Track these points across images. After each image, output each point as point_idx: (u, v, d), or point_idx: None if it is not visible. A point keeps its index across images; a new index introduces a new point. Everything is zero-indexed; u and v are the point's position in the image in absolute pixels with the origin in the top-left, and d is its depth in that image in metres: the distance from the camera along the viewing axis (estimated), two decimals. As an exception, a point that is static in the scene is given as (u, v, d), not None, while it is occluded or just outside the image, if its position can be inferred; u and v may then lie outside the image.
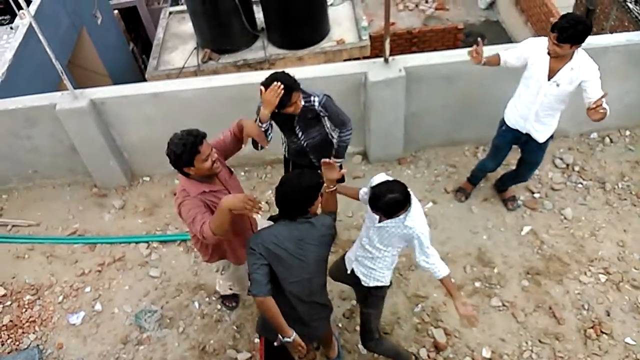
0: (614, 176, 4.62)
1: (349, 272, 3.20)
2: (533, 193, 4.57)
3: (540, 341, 3.69)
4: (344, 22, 8.74)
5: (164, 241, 4.54)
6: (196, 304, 4.12)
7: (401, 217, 2.72)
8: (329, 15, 8.53)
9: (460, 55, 4.32)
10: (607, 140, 4.89)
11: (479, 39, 3.77)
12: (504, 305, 3.90)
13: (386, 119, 4.38)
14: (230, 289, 3.85)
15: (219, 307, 4.07)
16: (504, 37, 11.96)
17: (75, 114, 4.33)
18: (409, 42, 10.18)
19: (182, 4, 10.17)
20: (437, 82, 4.34)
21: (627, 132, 4.94)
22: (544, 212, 4.41)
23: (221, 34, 8.16)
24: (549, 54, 3.36)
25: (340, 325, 3.88)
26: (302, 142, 3.56)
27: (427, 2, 13.11)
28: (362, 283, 3.11)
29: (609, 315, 3.77)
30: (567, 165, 4.73)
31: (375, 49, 9.00)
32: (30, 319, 4.14)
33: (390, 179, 2.75)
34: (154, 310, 4.08)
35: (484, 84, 4.39)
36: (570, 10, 11.46)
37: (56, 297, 4.27)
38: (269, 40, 8.48)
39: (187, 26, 8.65)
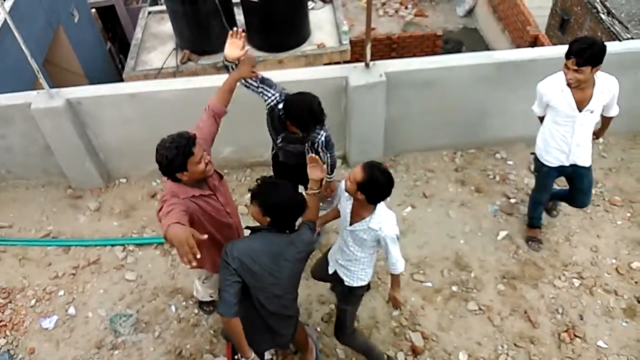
0: (587, 182, 4.71)
1: (331, 272, 3.21)
2: (509, 198, 4.64)
3: (515, 345, 3.74)
4: (324, 26, 8.77)
5: (140, 244, 4.48)
6: (173, 308, 4.06)
7: (366, 219, 2.78)
8: (310, 19, 8.54)
9: (440, 61, 4.39)
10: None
11: None
12: (480, 309, 3.94)
13: (366, 123, 4.40)
14: (211, 297, 3.81)
15: (196, 311, 4.03)
16: (481, 44, 12.15)
17: (51, 113, 4.25)
18: (388, 48, 10.26)
19: (161, 4, 10.08)
20: (416, 88, 4.38)
21: (600, 140, 5.04)
22: (520, 217, 4.48)
23: (201, 35, 8.09)
24: (569, 85, 3.28)
25: (319, 329, 3.87)
26: (278, 145, 3.61)
27: (406, 8, 13.25)
28: (345, 283, 3.13)
29: (582, 319, 3.84)
30: (543, 171, 4.81)
31: (356, 53, 9.06)
32: (1, 323, 4.03)
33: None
34: (130, 315, 4.02)
35: (462, 91, 4.46)
36: (546, 20, 11.73)
37: (28, 300, 4.17)
38: (249, 42, 8.42)
39: (167, 26, 8.57)
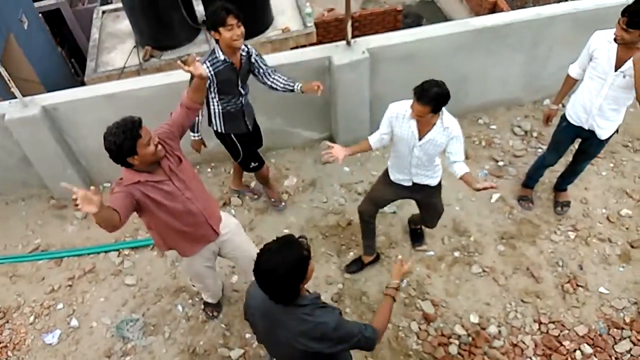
0: (568, 138, 4.85)
1: (410, 184, 3.43)
2: (497, 161, 4.73)
3: (522, 301, 3.85)
4: (286, 10, 8.66)
5: (135, 247, 4.37)
6: (179, 307, 3.99)
7: (437, 125, 3.03)
8: (271, 3, 8.42)
9: (419, 33, 4.41)
10: (560, 105, 5.11)
11: None
12: (484, 271, 4.03)
13: (352, 101, 4.39)
14: (194, 287, 3.75)
15: (202, 306, 3.97)
16: (440, 16, 12.25)
17: (26, 123, 4.06)
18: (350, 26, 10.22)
19: (112, 2, 9.73)
20: (398, 62, 4.38)
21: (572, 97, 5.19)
22: (510, 179, 4.58)
23: (161, 29, 7.86)
24: (615, 40, 3.19)
25: (330, 310, 3.87)
26: (242, 99, 3.68)
27: (362, -15, 13.21)
28: (432, 185, 3.41)
29: (581, 269, 3.98)
30: (526, 132, 4.93)
31: (319, 35, 8.99)
32: (1, 345, 3.88)
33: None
34: (136, 319, 3.93)
35: (442, 60, 4.49)
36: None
37: (26, 318, 4.02)
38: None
39: (124, 24, 8.29)
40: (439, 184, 3.50)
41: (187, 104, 2.91)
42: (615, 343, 3.59)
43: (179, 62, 2.91)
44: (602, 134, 3.64)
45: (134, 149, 2.53)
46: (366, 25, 10.20)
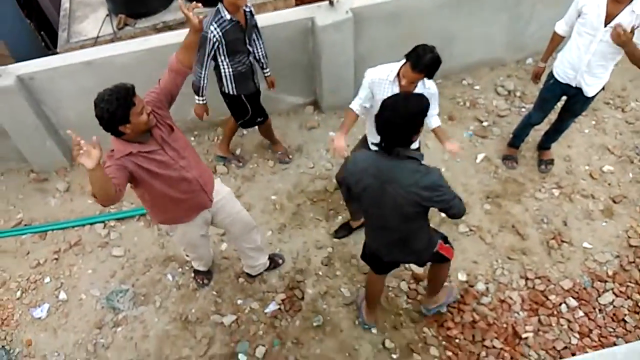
0: (551, 97, 4.88)
1: None
2: (481, 122, 4.74)
3: (509, 258, 3.92)
4: (262, -26, 8.42)
5: (121, 218, 4.31)
6: (169, 276, 3.98)
7: (419, 85, 3.03)
8: (247, -33, 8.19)
9: (403, -9, 4.33)
10: (547, 62, 5.12)
11: None
12: (471, 230, 4.08)
13: (337, 63, 4.32)
14: (187, 257, 3.74)
15: (192, 275, 3.96)
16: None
17: (2, 94, 3.92)
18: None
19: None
20: (382, 21, 4.32)
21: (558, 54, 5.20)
22: (494, 139, 4.61)
23: (135, -4, 7.61)
24: None
25: (320, 273, 3.90)
26: (251, 57, 3.70)
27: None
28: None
29: (566, 225, 4.06)
30: (509, 91, 4.94)
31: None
32: (-11, 320, 3.84)
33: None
34: (125, 290, 3.91)
35: (426, 19, 4.43)
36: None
37: (13, 293, 3.98)
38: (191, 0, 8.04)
39: (95, -8, 7.98)
40: (419, 147, 3.51)
41: (176, 68, 2.82)
42: (599, 295, 3.70)
43: (181, 5, 2.79)
44: (590, 91, 3.64)
45: (127, 117, 2.46)
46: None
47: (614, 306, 3.66)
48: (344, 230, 4.07)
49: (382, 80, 3.08)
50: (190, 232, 3.20)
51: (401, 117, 2.38)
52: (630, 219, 4.05)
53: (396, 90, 3.04)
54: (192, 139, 4.78)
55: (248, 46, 3.64)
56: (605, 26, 3.28)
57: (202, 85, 3.65)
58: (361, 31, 4.27)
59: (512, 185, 4.30)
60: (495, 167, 4.42)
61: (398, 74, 3.01)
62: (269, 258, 3.84)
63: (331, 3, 4.09)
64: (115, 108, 2.43)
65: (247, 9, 3.56)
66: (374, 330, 3.61)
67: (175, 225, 3.17)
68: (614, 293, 3.71)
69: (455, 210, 2.64)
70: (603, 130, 4.62)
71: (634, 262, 3.84)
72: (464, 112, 4.82)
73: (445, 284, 3.51)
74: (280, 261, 3.92)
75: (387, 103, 2.42)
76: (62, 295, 3.93)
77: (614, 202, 4.15)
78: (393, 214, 2.63)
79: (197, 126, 4.77)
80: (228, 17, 3.40)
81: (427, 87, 3.10)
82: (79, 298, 3.92)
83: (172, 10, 8.03)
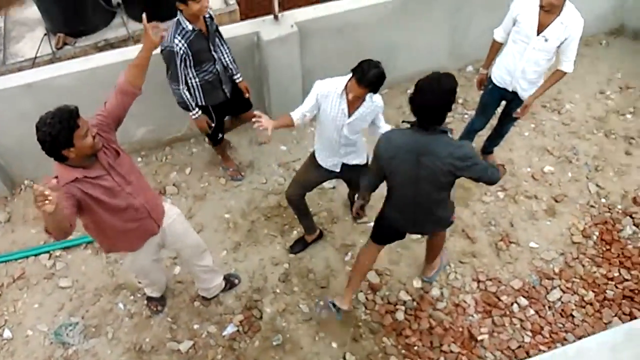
0: (492, 103, 5.05)
1: (338, 169, 3.49)
2: (428, 130, 4.84)
3: (460, 262, 4.02)
4: (205, -12, 8.36)
5: (67, 247, 4.15)
6: (120, 305, 3.86)
7: (367, 100, 3.08)
8: (189, -18, 8.10)
9: (347, 4, 4.40)
10: (489, 69, 5.29)
11: None
12: (422, 237, 4.15)
13: (284, 77, 4.34)
14: (140, 283, 3.65)
15: (145, 302, 3.85)
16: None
17: None
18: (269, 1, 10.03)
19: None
20: (327, 34, 4.38)
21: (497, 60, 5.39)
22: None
23: (73, 15, 7.35)
24: (542, 7, 3.32)
25: (277, 290, 3.88)
26: (217, 65, 3.66)
27: (280, -40, 12.96)
28: (360, 163, 3.49)
29: (512, 226, 4.20)
30: (452, 99, 5.07)
31: (242, 13, 8.76)
32: None
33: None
34: (75, 322, 3.76)
35: (370, 31, 4.52)
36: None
37: (-48, 334, 3.75)
38: (129, 15, 7.82)
39: (31, 11, 7.69)
40: (367, 162, 3.57)
41: (125, 89, 2.72)
42: (548, 293, 3.84)
43: (144, 20, 2.82)
44: (525, 96, 3.80)
45: (71, 140, 2.37)
46: (290, 0, 10.05)
47: (562, 302, 3.81)
48: (300, 245, 4.06)
49: (331, 92, 3.11)
50: (140, 259, 3.12)
51: (438, 98, 2.58)
52: (571, 217, 4.24)
53: (343, 103, 3.08)
54: (140, 159, 4.67)
55: (213, 53, 3.61)
56: (538, 35, 3.43)
57: (186, 98, 3.61)
58: (307, 45, 4.30)
59: (459, 190, 4.41)
60: (443, 173, 4.52)
61: (345, 87, 3.05)
62: (225, 279, 3.79)
63: (276, 17, 4.10)
64: (58, 131, 2.33)
65: (207, 15, 3.52)
66: (334, 345, 3.62)
67: (125, 253, 3.08)
68: (561, 289, 3.86)
69: (486, 178, 2.87)
70: (542, 132, 4.82)
71: (577, 258, 4.02)
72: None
73: None
74: (236, 281, 3.87)
75: (422, 86, 2.60)
76: (7, 334, 3.74)
77: (556, 201, 4.33)
78: (427, 184, 2.85)
79: (144, 147, 4.67)
80: (190, 27, 3.38)
81: (374, 100, 3.15)
82: (25, 335, 3.74)
83: (114, 27, 7.85)
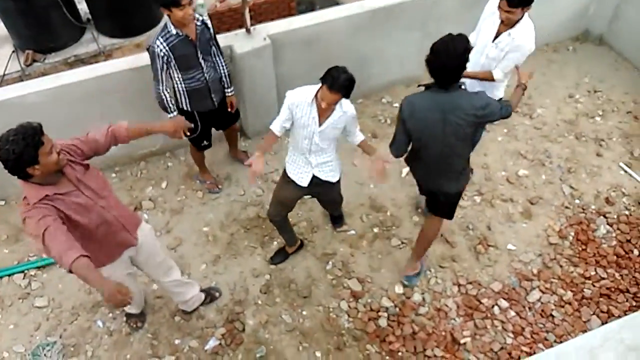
0: (465, 109, 5.14)
1: (307, 184, 3.44)
2: (404, 137, 4.90)
3: (440, 266, 4.05)
4: (177, 2, 8.34)
5: (41, 266, 4.04)
6: (99, 323, 3.77)
7: (336, 109, 3.12)
8: (160, -3, 8.07)
9: (318, 17, 4.45)
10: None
11: None
12: (402, 242, 4.18)
13: (258, 89, 4.34)
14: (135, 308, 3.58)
15: (124, 319, 3.77)
16: (331, 1, 12.38)
17: None
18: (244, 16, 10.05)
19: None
20: (300, 46, 4.40)
21: (467, 69, 5.50)
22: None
23: (42, 31, 7.25)
24: (502, 23, 3.39)
25: (259, 302, 3.84)
26: (206, 73, 3.62)
27: (252, -25, 13.02)
28: (331, 180, 3.47)
29: (490, 229, 4.26)
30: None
31: (214, 26, 8.76)
32: None
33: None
34: (52, 342, 3.66)
35: (342, 43, 4.56)
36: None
37: None
38: (99, 30, 7.76)
39: (-2, 28, 7.56)
40: (339, 181, 3.59)
41: (121, 138, 2.80)
42: (527, 294, 3.90)
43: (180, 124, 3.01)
44: None
45: (36, 158, 2.30)
46: (261, 14, 10.02)
47: (542, 302, 3.86)
48: (281, 256, 4.04)
49: (302, 102, 3.13)
50: (115, 273, 3.02)
51: (454, 58, 2.77)
52: (547, 219, 4.32)
53: (314, 112, 3.11)
54: (114, 175, 4.60)
55: (200, 60, 3.57)
56: (493, 42, 3.53)
57: (165, 99, 3.57)
58: (280, 56, 4.32)
59: (437, 195, 4.46)
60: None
61: (316, 96, 3.06)
62: (205, 292, 3.74)
63: (248, 30, 4.11)
64: (22, 149, 2.26)
65: (199, 22, 3.50)
66: (318, 354, 3.59)
67: (100, 268, 3.01)
68: (540, 290, 3.92)
69: (503, 116, 3.07)
70: (515, 136, 4.92)
71: (554, 258, 4.09)
72: (386, 129, 4.97)
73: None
74: (217, 294, 3.82)
75: (438, 49, 2.78)
76: (-20, 357, 3.62)
77: (531, 203, 4.41)
78: (453, 138, 3.03)
79: (118, 162, 4.60)
80: (174, 31, 3.37)
81: (344, 110, 3.17)
82: (0, 357, 3.62)
83: (84, 42, 7.77)
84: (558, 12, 5.51)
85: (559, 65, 5.61)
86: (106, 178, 2.90)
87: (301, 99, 3.13)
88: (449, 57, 2.76)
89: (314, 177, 3.43)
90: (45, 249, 2.34)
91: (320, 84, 2.99)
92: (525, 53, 3.46)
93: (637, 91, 5.33)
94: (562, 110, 5.17)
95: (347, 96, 3.00)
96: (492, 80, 3.60)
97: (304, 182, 3.43)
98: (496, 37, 3.51)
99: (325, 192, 3.62)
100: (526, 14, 3.39)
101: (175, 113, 3.68)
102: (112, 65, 4.07)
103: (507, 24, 3.41)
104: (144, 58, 4.11)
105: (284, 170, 3.54)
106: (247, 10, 3.97)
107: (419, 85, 3.11)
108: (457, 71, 2.83)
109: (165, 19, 3.37)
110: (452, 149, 3.12)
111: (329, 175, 3.46)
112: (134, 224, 2.98)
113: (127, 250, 2.97)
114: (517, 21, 3.39)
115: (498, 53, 3.52)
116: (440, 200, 3.52)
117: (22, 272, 4.00)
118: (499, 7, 3.34)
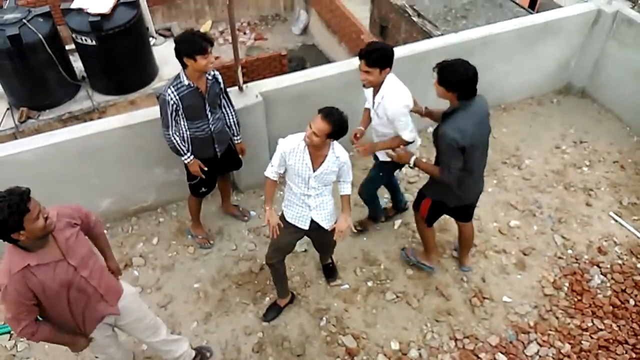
0: (455, 161, 5.21)
1: (307, 227, 3.46)
2: (395, 189, 4.93)
3: (436, 320, 3.98)
4: (170, 59, 8.55)
5: (27, 327, 3.93)
6: (87, 384, 3.64)
7: (329, 155, 3.17)
8: (154, 54, 8.30)
9: (308, 75, 4.57)
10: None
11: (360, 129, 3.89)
12: (397, 296, 4.13)
13: (251, 144, 4.37)
14: (96, 357, 3.46)
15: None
16: (322, 58, 12.77)
17: None
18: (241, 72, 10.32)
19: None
20: (291, 103, 4.48)
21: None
22: (409, 204, 4.78)
23: (37, 89, 7.43)
24: (364, 86, 3.50)
25: (252, 361, 3.74)
26: (212, 125, 3.71)
27: (245, 34, 13.47)
28: (327, 228, 3.46)
29: (484, 281, 4.22)
30: (417, 159, 5.21)
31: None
32: None
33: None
34: (36, 408, 3.51)
35: (332, 98, 4.55)
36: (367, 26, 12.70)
37: None
38: (94, 88, 7.96)
39: (-7, 86, 7.69)
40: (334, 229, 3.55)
41: (95, 231, 2.94)
42: (525, 347, 3.82)
43: None
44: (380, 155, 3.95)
45: (21, 224, 2.28)
46: (253, 71, 10.33)
47: (540, 356, 3.79)
48: (273, 312, 3.97)
49: (294, 149, 3.18)
50: (95, 337, 2.95)
51: (470, 66, 3.13)
52: (541, 269, 4.30)
53: (307, 156, 3.16)
54: (105, 231, 4.54)
55: (207, 112, 3.65)
56: (373, 108, 3.67)
57: (176, 143, 3.64)
58: (272, 113, 4.40)
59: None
60: (412, 231, 4.57)
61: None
62: (196, 351, 3.63)
63: (240, 88, 4.20)
64: (7, 215, 2.24)
65: (210, 76, 3.60)
66: (312, 415, 3.47)
67: None
68: (537, 343, 3.85)
69: None
70: (504, 187, 4.97)
71: (550, 310, 4.04)
72: (378, 181, 5.00)
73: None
74: (208, 354, 3.71)
75: (453, 65, 3.13)
76: None
77: (524, 254, 4.41)
78: (487, 136, 3.43)
79: (109, 218, 4.57)
80: (186, 82, 3.47)
81: (337, 155, 3.20)
82: None
83: (78, 100, 7.93)
84: (541, 66, 5.70)
85: (545, 118, 5.75)
86: (93, 249, 2.85)
87: (293, 146, 3.18)
88: (467, 67, 3.10)
89: (312, 220, 3.44)
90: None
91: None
92: (402, 112, 3.48)
93: (621, 141, 5.46)
94: (549, 161, 5.25)
95: (336, 135, 3.02)
96: (406, 143, 3.67)
97: (305, 224, 3.45)
98: (374, 104, 3.62)
99: (322, 235, 3.59)
100: (392, 76, 3.45)
101: (189, 154, 3.73)
102: (105, 123, 4.12)
103: (366, 86, 3.49)
104: (137, 116, 4.19)
105: (281, 216, 3.53)
106: (239, 69, 4.07)
107: (443, 113, 3.38)
108: (477, 76, 3.13)
109: (179, 69, 3.50)
110: (487, 147, 3.47)
111: (325, 219, 3.46)
112: (115, 295, 2.91)
113: (106, 318, 2.91)
114: (381, 84, 3.47)
115: (380, 119, 3.62)
116: (474, 206, 3.89)
117: (9, 333, 3.88)
118: (359, 69, 3.42)
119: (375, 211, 4.49)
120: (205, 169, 3.83)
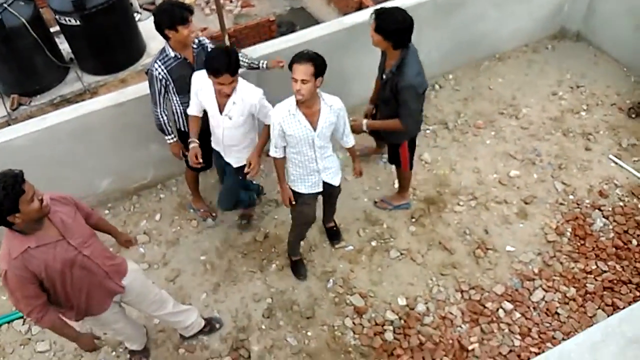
0: (452, 115, 5.17)
1: (321, 189, 3.50)
2: (391, 149, 4.91)
3: (442, 274, 4.03)
4: (157, 35, 8.36)
5: (40, 310, 3.99)
6: (103, 362, 3.72)
7: (322, 107, 3.13)
8: (141, 30, 8.15)
9: (299, 38, 4.54)
10: (437, 86, 5.45)
11: None
12: (401, 253, 4.16)
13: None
14: (104, 334, 3.56)
15: (128, 356, 3.72)
16: (311, 20, 12.50)
17: None
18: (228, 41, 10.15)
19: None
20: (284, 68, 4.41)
21: (450, 76, 5.56)
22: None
23: (25, 75, 7.31)
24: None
25: (263, 327, 3.80)
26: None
27: (231, 2, 13.16)
28: (337, 184, 3.57)
29: (487, 232, 4.25)
30: (413, 116, 5.17)
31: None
32: None
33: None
34: (57, 387, 3.60)
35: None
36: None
37: None
38: (83, 69, 7.83)
39: (-19, 74, 7.58)
40: (340, 184, 3.65)
41: (92, 219, 2.94)
42: (530, 294, 3.88)
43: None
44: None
45: (16, 206, 2.28)
46: (242, 39, 10.13)
47: (546, 301, 3.84)
48: (301, 267, 4.04)
49: (285, 115, 3.14)
50: (101, 316, 2.99)
51: (410, 20, 3.19)
52: (543, 217, 4.32)
53: (301, 118, 3.12)
54: (107, 212, 4.57)
55: None
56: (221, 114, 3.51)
57: (163, 122, 3.62)
58: (265, 79, 4.29)
59: (431, 203, 4.46)
60: (412, 189, 4.57)
61: (297, 103, 3.08)
62: (206, 321, 3.70)
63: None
64: (2, 198, 2.25)
65: (195, 44, 3.53)
66: (326, 374, 3.56)
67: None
68: (543, 289, 3.90)
69: None
70: (503, 138, 4.94)
71: (554, 256, 4.08)
72: (374, 142, 4.97)
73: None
74: (217, 325, 3.76)
75: (401, 15, 3.16)
76: (-16, 409, 3.55)
77: (526, 203, 4.42)
78: None
79: (110, 198, 4.58)
80: (172, 54, 3.41)
81: (329, 104, 3.16)
82: (3, 407, 3.56)
83: (69, 82, 7.81)
84: (533, 11, 5.59)
85: (540, 65, 5.67)
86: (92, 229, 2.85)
87: (284, 113, 3.14)
88: (405, 16, 3.14)
89: (323, 182, 3.48)
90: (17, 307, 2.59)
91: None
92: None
93: (618, 83, 5.39)
94: (547, 108, 5.21)
95: (321, 68, 2.96)
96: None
97: (319, 188, 3.49)
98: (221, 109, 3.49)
99: (332, 190, 3.63)
100: (241, 80, 3.34)
101: (172, 136, 3.71)
102: (96, 102, 4.08)
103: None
104: (127, 93, 4.14)
105: (294, 195, 3.50)
106: (226, 37, 4.01)
107: (395, 68, 3.34)
108: (413, 27, 3.21)
109: (163, 43, 3.43)
110: None
111: (334, 178, 3.52)
112: (119, 272, 2.93)
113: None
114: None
115: (236, 121, 3.50)
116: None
117: (22, 318, 3.95)
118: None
119: (252, 201, 4.36)
120: (200, 160, 3.71)
